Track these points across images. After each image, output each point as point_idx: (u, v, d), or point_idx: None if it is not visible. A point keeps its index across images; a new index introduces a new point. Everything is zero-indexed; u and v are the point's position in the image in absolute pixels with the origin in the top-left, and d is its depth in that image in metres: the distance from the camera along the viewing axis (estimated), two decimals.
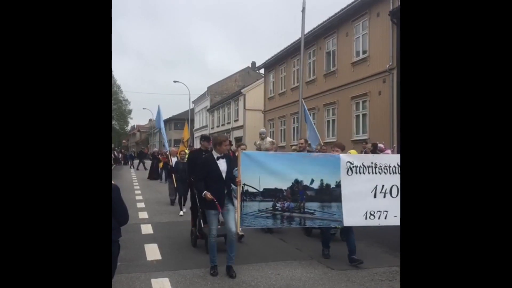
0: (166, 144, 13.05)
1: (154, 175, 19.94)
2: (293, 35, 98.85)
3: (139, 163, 30.21)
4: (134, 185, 16.96)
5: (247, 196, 5.04)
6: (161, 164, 17.86)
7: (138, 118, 72.12)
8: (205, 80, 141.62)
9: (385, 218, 5.23)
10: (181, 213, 9.38)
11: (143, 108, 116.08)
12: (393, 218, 5.11)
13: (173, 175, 10.46)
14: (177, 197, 10.18)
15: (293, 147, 12.32)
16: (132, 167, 31.89)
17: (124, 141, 62.40)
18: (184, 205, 9.48)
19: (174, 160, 11.04)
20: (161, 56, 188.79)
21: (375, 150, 9.50)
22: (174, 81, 37.94)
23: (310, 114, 18.96)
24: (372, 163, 5.39)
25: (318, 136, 9.85)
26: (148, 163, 25.81)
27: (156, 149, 29.42)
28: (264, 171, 5.10)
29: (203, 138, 6.87)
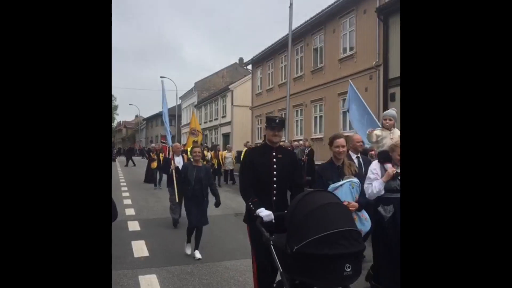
0: (169, 137, 9.39)
1: (148, 177, 15.85)
2: (280, 31, 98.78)
3: (127, 160, 29.94)
4: (121, 182, 16.82)
5: None
6: (154, 164, 13.25)
7: (124, 114, 71.06)
8: (185, 76, 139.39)
9: None
10: (189, 251, 5.58)
11: (129, 104, 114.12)
12: None
13: (175, 184, 7.21)
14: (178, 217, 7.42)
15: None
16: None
17: None
18: (197, 248, 5.44)
19: (178, 161, 7.60)
20: (135, 51, 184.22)
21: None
22: (161, 77, 37.17)
23: (298, 110, 19.25)
24: None
25: (378, 124, 6.47)
26: (141, 161, 25.34)
27: (154, 144, 22.27)
28: None
29: (270, 121, 3.42)
